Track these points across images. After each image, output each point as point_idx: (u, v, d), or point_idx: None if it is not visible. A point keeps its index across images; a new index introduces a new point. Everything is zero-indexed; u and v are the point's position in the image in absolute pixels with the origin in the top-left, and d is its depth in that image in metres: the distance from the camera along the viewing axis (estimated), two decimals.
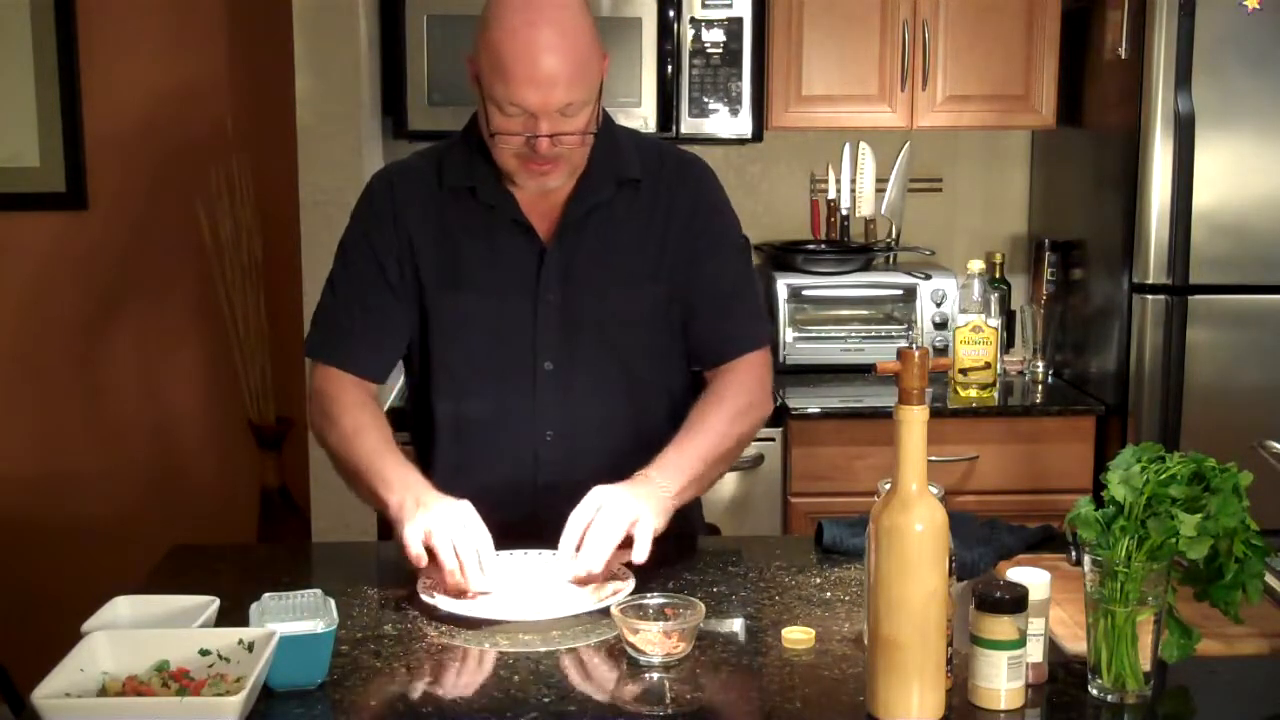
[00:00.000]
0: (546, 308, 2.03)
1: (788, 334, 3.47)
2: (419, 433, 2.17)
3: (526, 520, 2.00)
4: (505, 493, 2.00)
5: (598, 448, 2.05)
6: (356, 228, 2.09)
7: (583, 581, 1.83)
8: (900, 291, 3.52)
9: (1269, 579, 1.61)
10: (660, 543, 1.97)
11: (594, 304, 2.03)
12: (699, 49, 3.32)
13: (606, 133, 2.03)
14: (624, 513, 1.83)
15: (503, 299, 2.03)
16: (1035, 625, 1.54)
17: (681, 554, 2.02)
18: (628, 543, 1.91)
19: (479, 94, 1.94)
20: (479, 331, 2.05)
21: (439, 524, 1.80)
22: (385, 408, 2.67)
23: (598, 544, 1.81)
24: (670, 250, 2.06)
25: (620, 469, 2.03)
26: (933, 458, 1.55)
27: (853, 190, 3.73)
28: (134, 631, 1.58)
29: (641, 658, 1.63)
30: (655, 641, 1.63)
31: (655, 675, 1.61)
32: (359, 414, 2.03)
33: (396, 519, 1.86)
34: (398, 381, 3.00)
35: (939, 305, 3.48)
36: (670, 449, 1.95)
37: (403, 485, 1.89)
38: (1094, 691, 1.54)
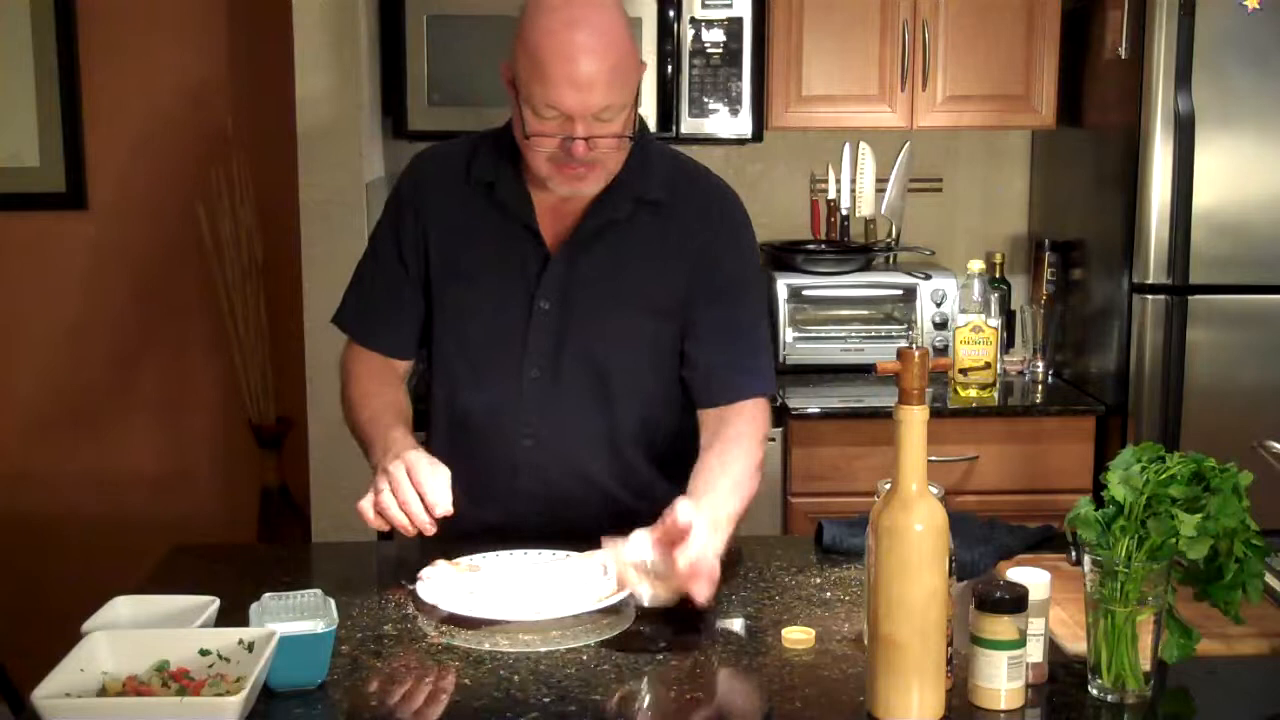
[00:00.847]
0: (540, 316, 2.01)
1: (788, 334, 3.47)
2: (426, 421, 2.17)
3: (506, 523, 2.01)
4: (487, 491, 2.01)
5: (573, 462, 2.05)
6: (387, 211, 2.13)
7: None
8: (900, 291, 3.52)
9: (1269, 579, 1.61)
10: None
11: (588, 321, 2.01)
12: (699, 49, 3.32)
13: (639, 147, 1.98)
14: (717, 545, 1.77)
15: (500, 300, 2.03)
16: (1035, 625, 1.54)
17: None
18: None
19: (514, 98, 1.92)
20: (475, 327, 2.05)
21: (383, 484, 1.83)
22: None
23: (699, 557, 1.71)
24: (680, 285, 2.02)
25: (593, 488, 2.05)
26: (933, 458, 1.55)
27: (853, 190, 3.73)
28: (134, 631, 1.58)
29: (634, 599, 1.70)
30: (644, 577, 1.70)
31: (655, 675, 1.61)
32: (365, 384, 2.08)
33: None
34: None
35: (939, 305, 3.48)
36: (718, 491, 1.86)
37: (382, 450, 1.92)
38: (1094, 691, 1.54)
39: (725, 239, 2.04)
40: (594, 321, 2.01)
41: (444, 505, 1.82)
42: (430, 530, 1.81)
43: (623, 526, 1.91)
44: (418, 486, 1.82)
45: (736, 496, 1.89)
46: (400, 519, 1.81)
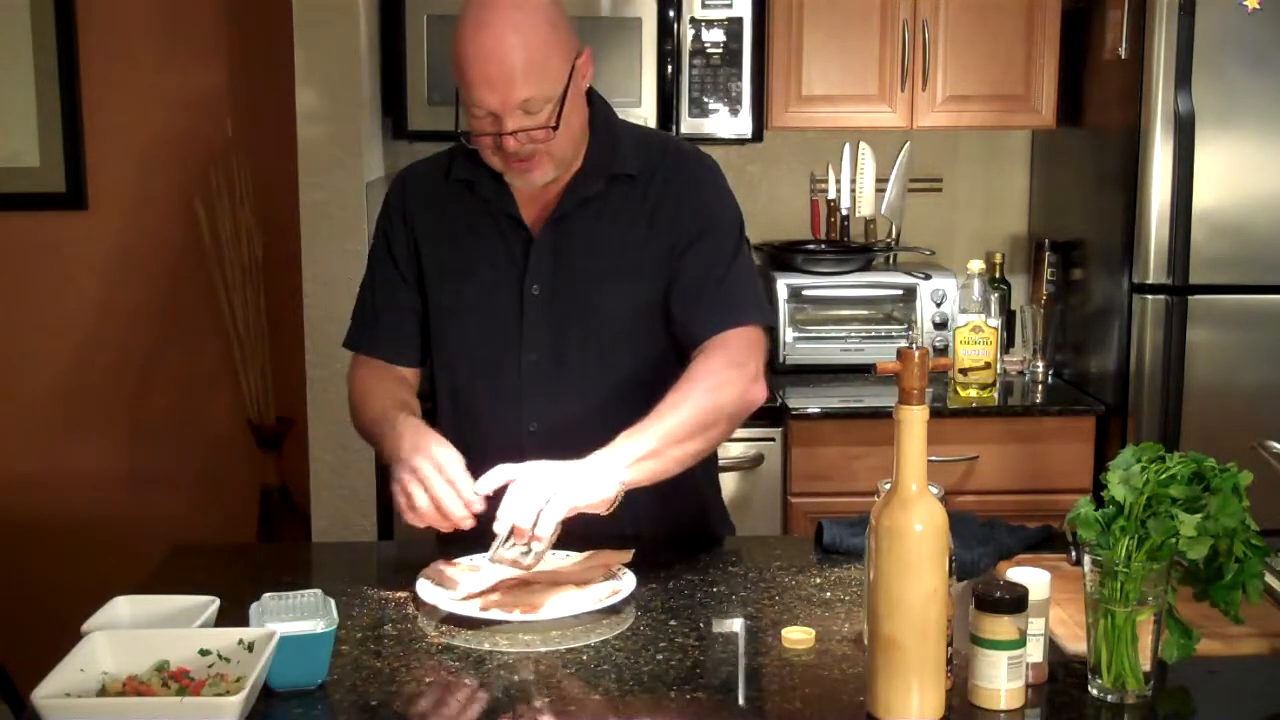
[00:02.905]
0: (531, 300, 2.04)
1: (788, 334, 3.47)
2: (432, 421, 2.18)
3: None
4: None
5: (582, 442, 2.04)
6: (379, 227, 2.19)
7: (514, 563, 1.82)
8: (900, 291, 3.52)
9: (1269, 579, 1.61)
10: (667, 542, 2.00)
11: (580, 298, 2.04)
12: (699, 49, 3.32)
13: (604, 128, 2.06)
14: (539, 490, 1.78)
15: (492, 290, 2.06)
16: (1035, 625, 1.54)
17: (684, 553, 2.02)
18: (623, 544, 1.92)
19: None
20: (470, 321, 2.09)
21: (411, 483, 1.84)
22: None
23: (512, 519, 1.77)
24: (658, 245, 2.05)
25: None
26: (933, 458, 1.55)
27: (853, 190, 3.73)
28: (134, 631, 1.58)
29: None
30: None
31: (655, 676, 1.61)
32: (371, 383, 2.10)
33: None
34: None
35: (939, 305, 3.48)
36: (627, 430, 1.89)
37: (393, 448, 1.92)
38: (1094, 691, 1.54)
39: (695, 195, 2.08)
40: (584, 297, 2.04)
41: (478, 502, 1.83)
42: (469, 525, 1.83)
43: (631, 503, 1.92)
44: (451, 481, 1.83)
45: (649, 437, 1.88)
46: (437, 519, 1.83)
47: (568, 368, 2.05)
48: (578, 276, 2.04)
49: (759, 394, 2.01)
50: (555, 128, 1.94)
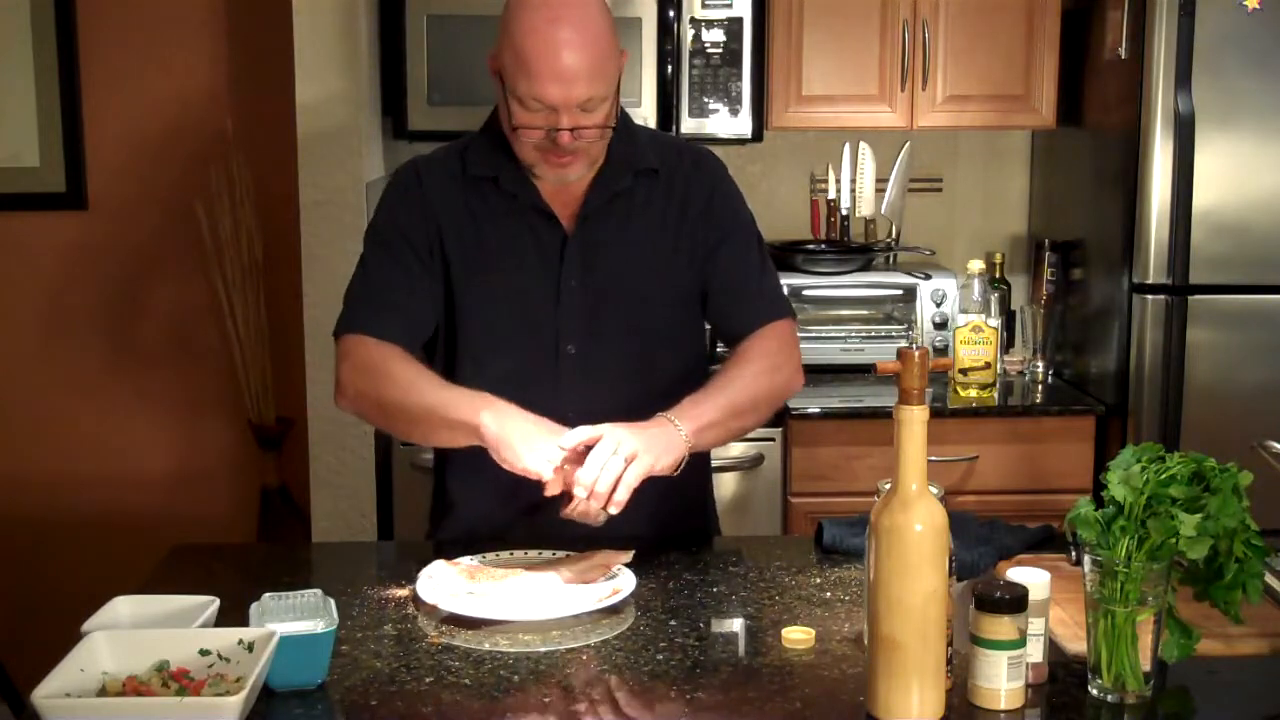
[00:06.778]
0: (569, 293, 2.06)
1: None
2: None
3: (549, 504, 2.00)
4: (528, 479, 2.00)
5: None
6: (385, 211, 2.13)
7: (584, 514, 1.87)
8: (900, 291, 3.52)
9: (1269, 579, 1.61)
10: (667, 540, 2.01)
11: (615, 289, 2.08)
12: (699, 49, 3.32)
13: (624, 127, 2.08)
14: (620, 456, 1.85)
15: (526, 283, 2.07)
16: (1035, 625, 1.54)
17: (684, 553, 2.02)
18: (623, 544, 1.92)
19: (500, 90, 1.99)
20: (503, 314, 2.09)
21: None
22: None
23: (597, 478, 1.84)
24: (688, 237, 2.10)
25: None
26: (933, 458, 1.55)
27: (853, 190, 3.73)
28: (134, 631, 1.58)
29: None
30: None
31: (655, 676, 1.61)
32: (411, 366, 2.02)
33: (497, 439, 1.88)
34: None
35: (939, 305, 3.48)
36: (690, 397, 1.97)
37: (491, 404, 1.91)
38: (1094, 691, 1.54)
39: (720, 193, 2.15)
40: (621, 290, 2.08)
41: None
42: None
43: (665, 490, 1.93)
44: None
45: (712, 406, 1.98)
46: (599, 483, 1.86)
47: (604, 356, 2.08)
48: (614, 269, 2.08)
49: (800, 383, 2.14)
50: (613, 127, 1.99)
